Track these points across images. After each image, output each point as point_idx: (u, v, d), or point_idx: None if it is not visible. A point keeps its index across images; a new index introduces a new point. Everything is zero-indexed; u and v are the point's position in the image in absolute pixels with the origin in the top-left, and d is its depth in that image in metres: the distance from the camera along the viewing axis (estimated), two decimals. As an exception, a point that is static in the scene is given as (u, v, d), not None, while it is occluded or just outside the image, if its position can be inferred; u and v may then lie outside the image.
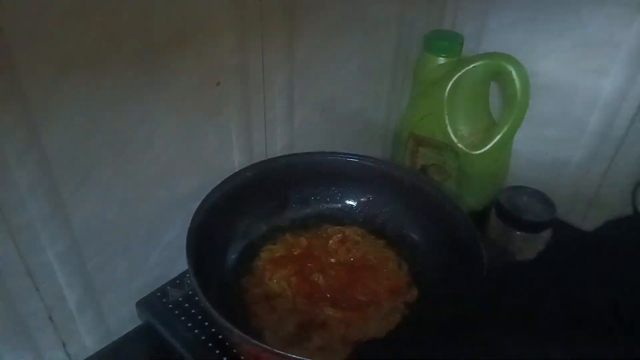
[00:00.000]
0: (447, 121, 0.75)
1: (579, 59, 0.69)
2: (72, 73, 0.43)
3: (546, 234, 0.69)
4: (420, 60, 0.78)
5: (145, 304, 0.57)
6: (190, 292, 0.58)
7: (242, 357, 0.51)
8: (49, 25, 0.40)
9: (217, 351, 0.52)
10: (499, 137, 0.74)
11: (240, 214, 0.62)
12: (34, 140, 0.43)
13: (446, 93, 0.73)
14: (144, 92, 0.49)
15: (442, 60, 0.74)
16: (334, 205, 0.69)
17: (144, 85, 0.48)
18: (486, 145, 0.74)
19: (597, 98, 0.70)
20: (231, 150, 0.62)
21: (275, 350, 0.42)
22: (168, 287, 0.59)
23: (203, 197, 0.56)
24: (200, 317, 0.55)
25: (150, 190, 0.55)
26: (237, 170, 0.61)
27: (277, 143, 0.66)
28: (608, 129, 0.70)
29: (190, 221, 0.53)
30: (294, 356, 0.42)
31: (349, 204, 0.69)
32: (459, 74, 0.72)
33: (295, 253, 0.63)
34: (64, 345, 0.54)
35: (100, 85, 0.45)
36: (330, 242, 0.64)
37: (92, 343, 0.57)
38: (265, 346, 0.43)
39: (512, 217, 0.68)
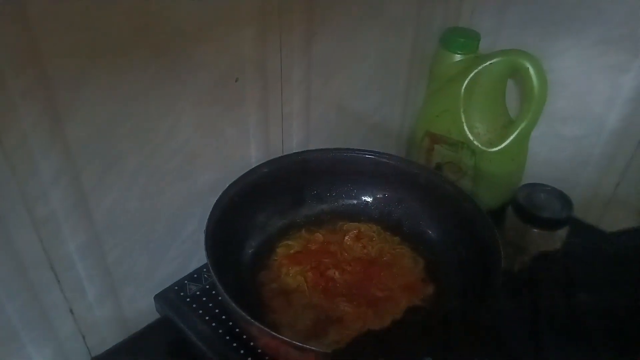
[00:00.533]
0: (463, 118, 0.75)
1: (599, 55, 0.68)
2: (96, 64, 0.43)
3: (563, 232, 0.68)
4: (436, 57, 0.77)
5: (164, 298, 0.57)
6: (207, 287, 0.59)
7: (260, 351, 0.51)
8: (74, 14, 0.40)
9: (235, 344, 0.52)
10: (515, 134, 0.73)
11: (257, 209, 0.63)
12: (59, 131, 0.43)
13: (462, 90, 0.73)
14: (166, 85, 0.49)
15: (458, 57, 0.74)
16: (350, 201, 0.69)
17: (166, 78, 0.49)
18: (503, 143, 0.74)
19: (616, 95, 0.69)
20: (248, 145, 0.62)
21: (295, 343, 0.43)
22: (186, 281, 0.59)
23: (221, 192, 0.56)
24: (217, 310, 0.56)
25: (171, 184, 0.55)
26: (254, 165, 0.61)
27: (293, 138, 0.67)
28: (628, 125, 0.69)
29: (208, 215, 0.53)
30: (312, 348, 0.42)
31: (365, 201, 0.69)
32: (476, 70, 0.72)
33: (311, 249, 0.63)
34: (83, 337, 0.55)
35: (124, 76, 0.46)
36: (346, 238, 0.64)
37: (111, 336, 0.58)
38: (285, 338, 0.43)
39: (529, 215, 0.67)
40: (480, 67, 0.71)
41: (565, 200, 0.68)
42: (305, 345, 0.42)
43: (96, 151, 0.47)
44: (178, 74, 0.50)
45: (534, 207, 0.67)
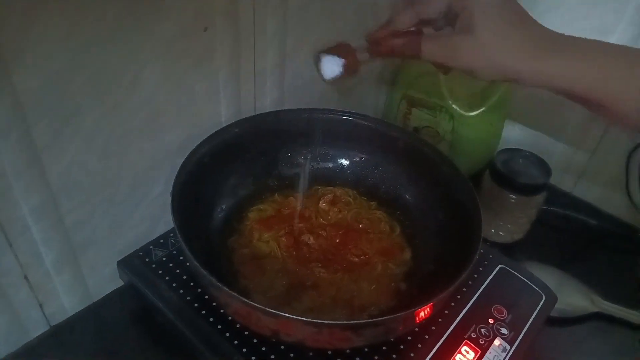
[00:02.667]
0: (442, 81, 0.72)
1: (582, 16, 0.66)
2: (46, 4, 0.38)
3: (540, 198, 0.68)
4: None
5: (127, 264, 0.54)
6: (174, 252, 0.56)
7: (230, 318, 0.49)
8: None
9: (204, 312, 0.50)
10: (495, 98, 0.72)
11: (228, 171, 0.60)
12: (6, 81, 0.39)
13: (443, 51, 0.70)
14: (127, 32, 0.45)
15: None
16: (325, 164, 0.66)
17: (127, 25, 0.45)
18: (482, 107, 0.72)
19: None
20: (219, 102, 0.58)
21: (267, 309, 0.40)
22: (151, 247, 0.56)
23: (189, 152, 0.53)
24: (185, 277, 0.53)
25: (134, 142, 0.52)
26: (224, 125, 0.58)
27: (266, 97, 0.63)
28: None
29: (175, 177, 0.50)
30: (285, 315, 0.40)
31: (341, 164, 0.66)
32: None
33: (284, 213, 0.60)
34: (40, 306, 0.52)
35: (78, 21, 0.41)
36: (321, 202, 0.62)
37: (71, 304, 0.55)
38: (257, 305, 0.41)
39: (506, 180, 0.66)
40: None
41: (543, 166, 0.68)
42: (278, 312, 0.40)
43: (49, 104, 0.43)
44: (140, 19, 0.45)
45: (511, 172, 0.66)
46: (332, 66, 0.49)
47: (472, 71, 0.43)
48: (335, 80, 0.49)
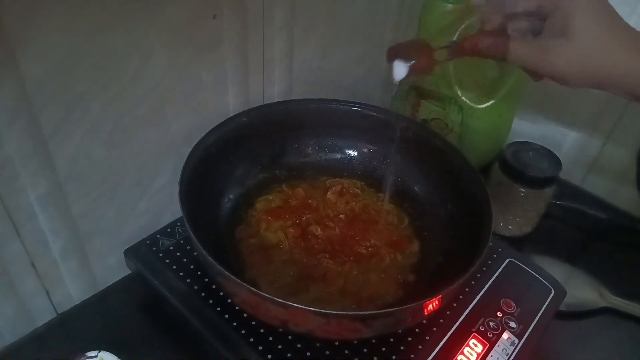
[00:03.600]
0: (452, 72, 0.71)
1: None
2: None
3: (549, 191, 0.67)
4: (426, 6, 0.73)
5: (134, 252, 0.54)
6: (182, 241, 0.55)
7: (237, 308, 0.49)
8: None
9: (211, 301, 0.50)
10: (505, 90, 0.71)
11: (235, 161, 0.59)
12: (11, 68, 0.39)
13: (453, 42, 0.69)
14: (133, 18, 0.44)
15: (449, 6, 0.70)
16: (333, 155, 0.66)
17: (133, 11, 0.44)
18: (491, 99, 0.72)
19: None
20: (226, 91, 0.58)
21: (275, 298, 0.40)
22: (158, 236, 0.55)
23: (196, 142, 0.52)
24: (192, 266, 0.53)
25: (140, 131, 0.51)
26: (232, 114, 0.57)
27: (274, 87, 0.62)
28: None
29: (182, 166, 0.49)
30: (293, 304, 0.40)
31: (349, 155, 0.66)
32: (467, 22, 0.68)
33: (292, 204, 0.60)
34: (47, 293, 0.52)
35: (83, 7, 0.41)
36: (329, 193, 0.62)
37: (78, 292, 0.54)
38: (264, 294, 0.40)
39: (516, 173, 0.65)
40: (472, 18, 0.68)
41: (553, 159, 0.67)
42: (286, 302, 0.40)
43: (55, 91, 0.42)
44: (146, 5, 0.45)
45: (521, 164, 0.66)
46: (400, 69, 0.47)
47: (564, 78, 0.41)
48: (404, 79, 0.48)
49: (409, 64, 0.47)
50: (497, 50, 0.44)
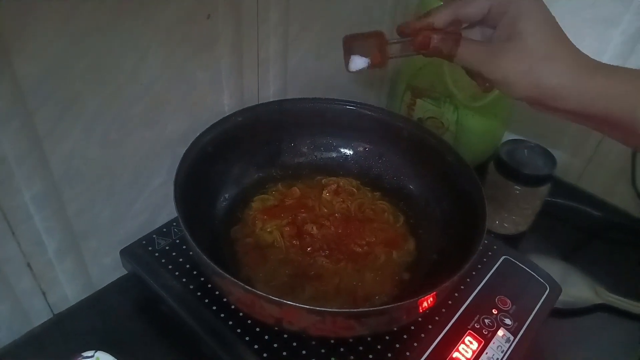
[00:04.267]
0: (446, 71, 0.72)
1: (589, 5, 0.65)
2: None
3: (545, 189, 0.67)
4: (421, 5, 0.73)
5: (130, 253, 0.54)
6: (177, 241, 0.55)
7: (233, 307, 0.49)
8: None
9: (207, 301, 0.50)
10: (500, 89, 0.71)
11: (231, 160, 0.59)
12: (6, 67, 0.39)
13: (448, 41, 0.69)
14: (128, 17, 0.44)
15: (444, 6, 0.70)
16: (329, 154, 0.66)
17: (128, 10, 0.44)
18: (487, 98, 0.72)
19: (604, 50, 0.67)
20: (221, 91, 0.58)
21: (270, 297, 0.40)
22: (154, 235, 0.55)
23: (191, 141, 0.52)
24: (188, 266, 0.53)
25: (135, 130, 0.51)
26: (227, 114, 0.57)
27: (269, 86, 0.63)
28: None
29: (177, 166, 0.49)
30: (289, 302, 0.40)
31: (344, 154, 0.66)
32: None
33: (287, 203, 0.60)
34: (43, 294, 0.52)
35: (78, 6, 0.41)
36: (325, 192, 0.62)
37: (74, 293, 0.54)
38: (260, 293, 0.40)
39: (511, 171, 0.65)
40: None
41: (548, 157, 0.67)
42: (280, 299, 0.40)
43: (50, 91, 0.42)
44: (142, 4, 0.45)
45: (516, 163, 0.66)
46: (355, 63, 0.47)
47: (507, 82, 0.41)
48: (358, 72, 0.48)
49: (364, 59, 0.47)
50: (447, 47, 0.43)
